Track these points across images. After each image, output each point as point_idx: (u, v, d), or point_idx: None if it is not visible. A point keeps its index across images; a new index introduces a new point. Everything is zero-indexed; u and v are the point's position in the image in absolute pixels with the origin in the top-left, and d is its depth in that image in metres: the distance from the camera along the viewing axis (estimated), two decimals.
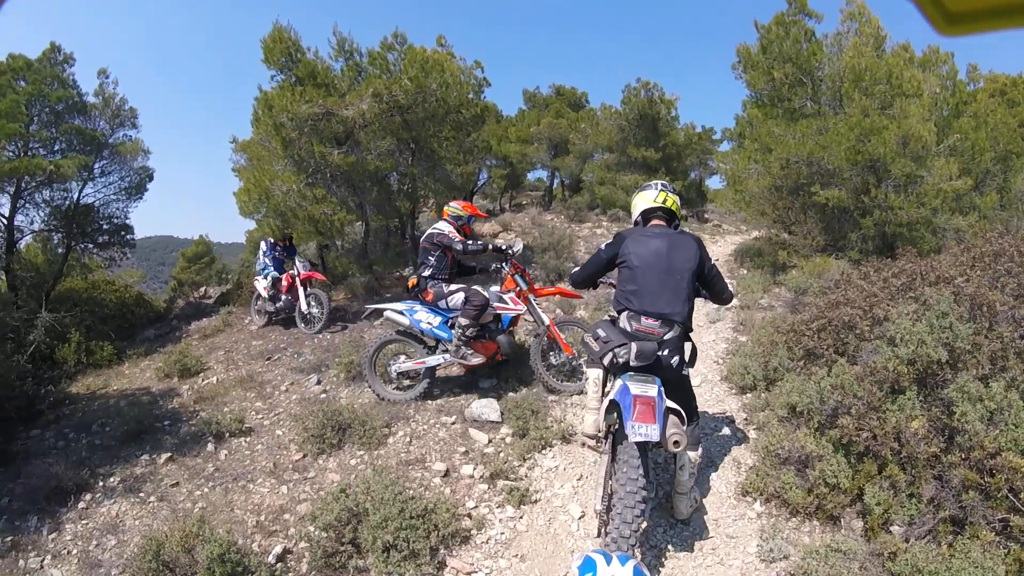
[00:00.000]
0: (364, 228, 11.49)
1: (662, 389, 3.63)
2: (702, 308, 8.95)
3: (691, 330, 4.06)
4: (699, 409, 5.69)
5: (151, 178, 13.37)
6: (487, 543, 4.37)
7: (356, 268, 11.63)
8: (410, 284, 6.93)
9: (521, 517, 4.64)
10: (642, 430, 3.38)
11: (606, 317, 4.21)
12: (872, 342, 4.88)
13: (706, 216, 19.20)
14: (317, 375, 7.61)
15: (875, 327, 5.08)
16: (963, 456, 3.66)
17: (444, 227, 6.81)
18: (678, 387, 3.93)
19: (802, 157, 9.40)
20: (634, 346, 3.66)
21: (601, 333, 3.87)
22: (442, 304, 6.67)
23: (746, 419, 5.73)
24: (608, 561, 1.59)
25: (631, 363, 3.66)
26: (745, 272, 10.84)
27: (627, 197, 14.64)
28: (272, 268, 10.18)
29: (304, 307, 9.64)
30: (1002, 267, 5.36)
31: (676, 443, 3.49)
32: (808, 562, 3.58)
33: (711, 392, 6.48)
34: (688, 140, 19.27)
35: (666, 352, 3.74)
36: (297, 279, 9.77)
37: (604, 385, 4.15)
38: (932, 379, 4.39)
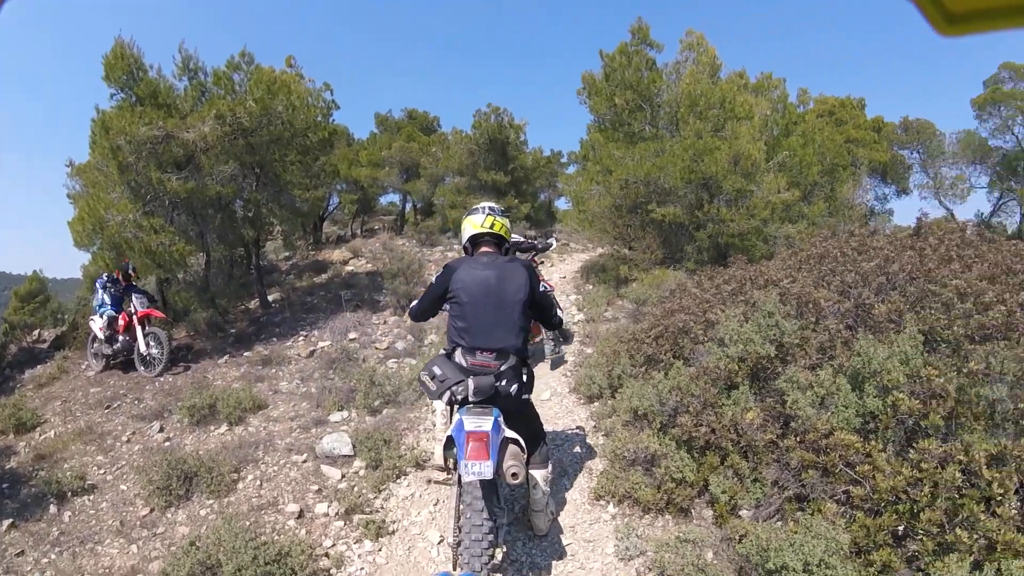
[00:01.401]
0: (206, 259, 10.89)
1: (500, 420, 3.56)
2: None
3: (527, 357, 3.99)
4: (552, 421, 5.85)
5: None
6: None
7: (198, 303, 10.98)
8: None
9: (380, 550, 4.53)
10: (475, 468, 3.32)
11: (441, 352, 4.04)
12: (705, 344, 5.19)
13: (555, 236, 19.75)
14: (160, 422, 7.13)
15: (708, 330, 5.41)
16: (799, 439, 3.94)
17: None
18: (520, 414, 3.87)
19: (640, 177, 9.90)
20: (471, 382, 3.60)
21: (437, 371, 3.77)
22: None
23: (595, 426, 5.90)
24: None
25: (470, 398, 3.60)
26: (591, 287, 11.22)
27: None
28: (109, 306, 9.35)
29: (143, 348, 8.91)
30: (826, 267, 5.86)
31: (514, 475, 3.42)
32: (661, 555, 3.72)
33: (561, 404, 6.64)
34: (536, 164, 19.78)
35: (503, 383, 3.68)
36: (134, 318, 9.03)
37: (452, 415, 4.08)
38: (764, 373, 4.72)
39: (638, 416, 5.03)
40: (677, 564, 3.57)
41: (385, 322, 10.10)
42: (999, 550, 2.85)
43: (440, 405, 4.16)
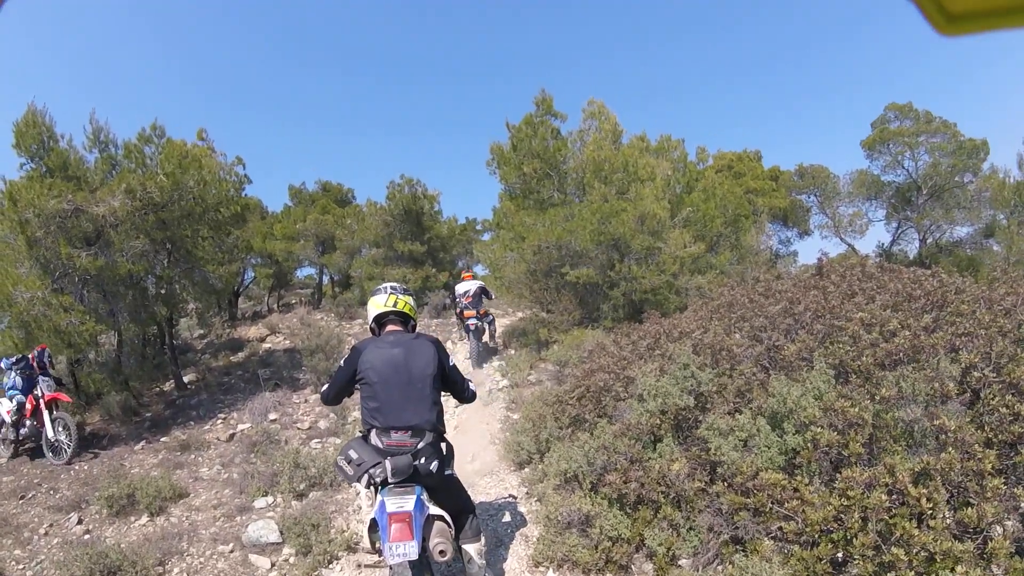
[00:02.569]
0: (117, 339, 10.48)
1: (423, 498, 3.57)
2: (479, 398, 9.25)
3: (444, 432, 4.01)
4: (483, 491, 5.84)
5: None
6: None
7: (111, 385, 10.45)
8: None
9: None
10: (399, 550, 3.32)
11: (357, 434, 4.03)
12: (626, 401, 5.36)
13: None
14: (77, 513, 6.70)
15: (628, 387, 5.61)
16: (727, 484, 4.10)
17: None
18: (444, 490, 3.86)
19: (552, 242, 10.26)
20: (388, 463, 3.57)
21: (353, 455, 3.71)
22: None
23: (527, 492, 5.92)
24: None
25: (389, 479, 3.57)
26: (513, 352, 11.38)
27: None
28: (19, 390, 8.75)
29: (51, 434, 8.41)
30: (736, 314, 6.20)
31: (441, 552, 3.44)
32: None
33: (491, 473, 6.63)
34: (452, 232, 20.09)
35: (422, 460, 3.63)
36: (41, 402, 8.52)
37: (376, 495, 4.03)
38: (685, 423, 4.92)
39: (568, 478, 5.08)
40: None
41: (306, 400, 9.93)
42: (939, 560, 3.00)
43: (362, 488, 3.97)
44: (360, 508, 4.50)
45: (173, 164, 9.51)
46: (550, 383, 8.48)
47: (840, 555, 3.46)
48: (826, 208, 23.57)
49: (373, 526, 3.52)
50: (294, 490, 6.57)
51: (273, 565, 5.36)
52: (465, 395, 4.29)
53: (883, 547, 3.21)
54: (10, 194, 8.50)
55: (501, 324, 15.14)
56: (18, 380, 8.85)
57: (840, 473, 3.58)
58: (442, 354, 3.96)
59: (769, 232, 22.07)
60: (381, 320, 4.11)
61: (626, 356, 6.30)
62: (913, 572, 3.07)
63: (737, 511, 3.90)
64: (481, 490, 6.14)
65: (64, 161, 9.30)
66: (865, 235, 22.84)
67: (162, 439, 8.88)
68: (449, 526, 3.62)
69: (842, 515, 3.42)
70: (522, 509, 5.65)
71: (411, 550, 3.29)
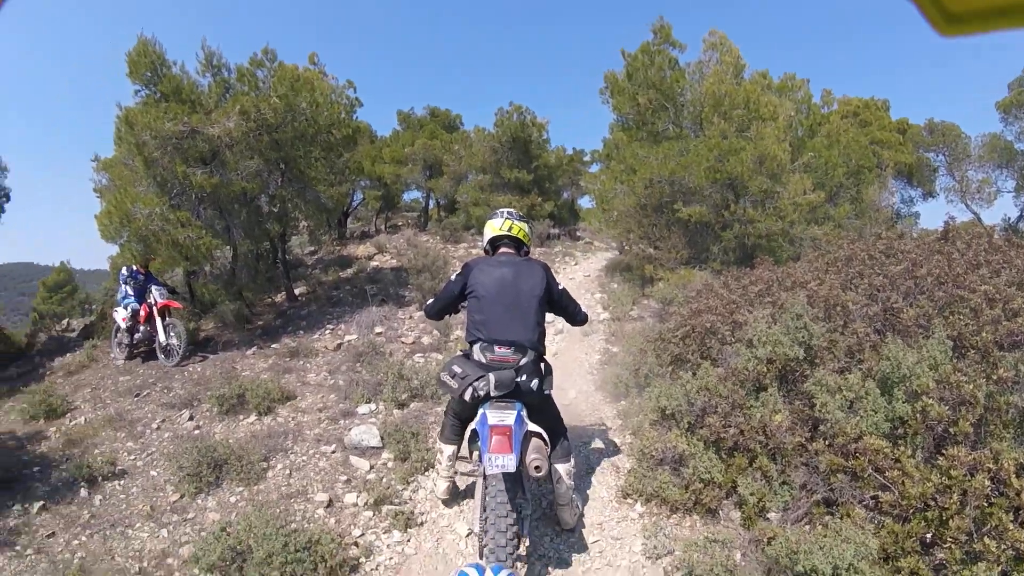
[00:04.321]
0: (232, 253, 11.00)
1: (523, 414, 3.66)
2: (579, 328, 9.24)
3: (544, 353, 4.11)
4: (578, 419, 5.87)
5: (8, 198, 12.40)
6: (376, 570, 4.30)
7: (225, 295, 11.13)
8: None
9: (408, 540, 4.58)
10: (499, 461, 3.41)
11: (458, 352, 4.24)
12: (733, 345, 5.18)
13: (578, 234, 19.69)
14: (189, 410, 7.19)
15: (735, 331, 5.41)
16: (828, 443, 3.93)
17: None
18: (542, 409, 3.99)
19: (664, 176, 9.89)
20: (492, 377, 3.67)
21: (457, 369, 3.87)
22: None
23: (621, 425, 5.91)
24: (481, 572, 1.55)
25: (492, 393, 3.67)
26: (616, 286, 11.20)
27: None
28: (133, 298, 9.59)
29: (162, 338, 9.11)
30: (854, 270, 5.84)
31: (537, 468, 3.52)
32: (690, 554, 3.72)
33: (587, 402, 6.64)
34: (559, 162, 19.70)
35: (524, 378, 3.75)
36: (154, 309, 9.24)
37: (455, 459, 4.52)
38: (792, 375, 4.72)
39: (666, 416, 5.02)
40: (706, 564, 3.58)
41: (411, 317, 10.15)
42: None
43: (448, 449, 4.45)
44: (439, 463, 4.68)
45: (285, 87, 9.69)
46: (652, 320, 8.35)
47: (930, 535, 3.28)
48: (954, 170, 21.53)
49: (473, 437, 3.80)
50: (396, 399, 6.78)
51: (372, 467, 5.59)
52: (577, 317, 4.47)
53: (974, 535, 3.03)
54: (126, 118, 8.88)
55: (603, 258, 14.92)
56: (129, 290, 9.62)
57: (944, 451, 3.37)
58: (550, 278, 4.12)
59: (892, 189, 20.41)
60: (495, 243, 4.31)
61: (735, 300, 6.06)
62: (999, 568, 2.89)
63: (834, 472, 3.75)
64: (575, 416, 6.16)
65: (177, 86, 9.62)
66: (993, 205, 20.65)
67: (272, 346, 9.32)
68: (546, 444, 3.74)
69: (939, 494, 3.23)
70: (615, 440, 5.68)
71: (509, 462, 3.40)
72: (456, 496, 4.97)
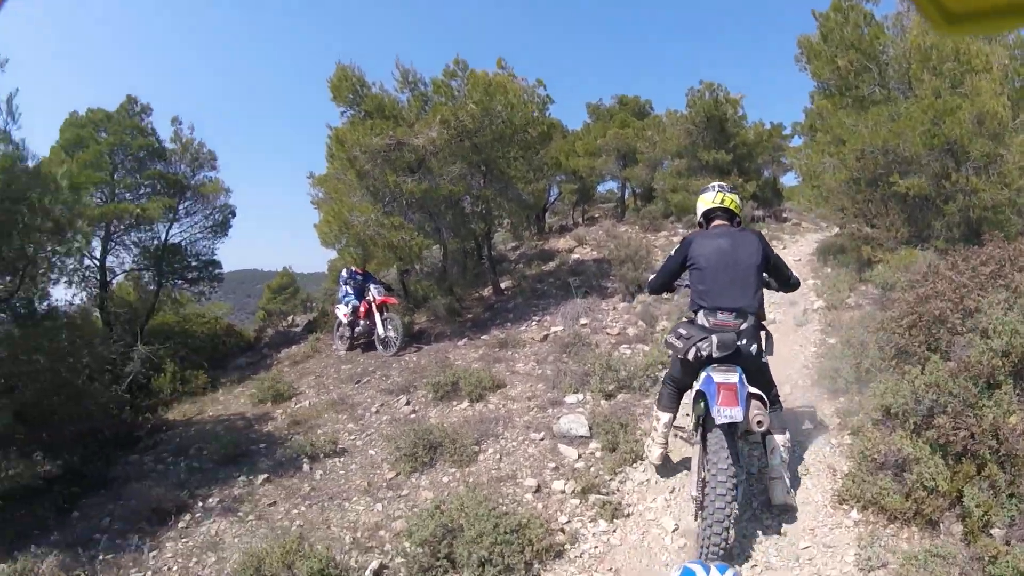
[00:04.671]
0: (442, 251, 11.76)
1: (743, 376, 3.91)
2: (788, 312, 8.86)
3: (764, 319, 4.37)
4: (793, 416, 5.63)
5: (233, 214, 13.97)
6: (580, 557, 4.42)
7: (436, 291, 11.93)
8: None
9: (614, 531, 4.65)
10: (727, 412, 3.69)
11: (683, 319, 4.55)
12: (964, 335, 4.70)
13: (784, 215, 18.62)
14: (406, 396, 7.77)
15: (967, 319, 4.88)
16: None
17: None
18: (758, 374, 4.19)
19: (877, 146, 9.04)
20: (714, 338, 3.96)
21: (683, 332, 4.19)
22: None
23: (840, 424, 5.54)
24: (707, 571, 1.55)
25: (713, 354, 3.95)
26: (830, 271, 10.53)
27: None
28: (352, 295, 10.61)
29: (381, 331, 9.97)
30: None
31: (759, 423, 3.82)
32: (907, 568, 3.49)
33: (802, 398, 6.29)
34: (758, 138, 18.79)
35: (744, 342, 4.02)
36: (373, 305, 10.14)
37: (671, 427, 4.85)
38: None
39: (890, 415, 4.65)
40: None
41: (615, 308, 10.20)
42: None
43: (664, 417, 4.75)
44: (655, 429, 4.93)
45: (480, 92, 10.15)
46: (872, 308, 7.77)
47: None
48: None
49: (698, 397, 4.02)
50: (603, 390, 6.83)
51: (580, 456, 5.70)
52: (790, 282, 4.68)
53: None
54: (337, 137, 9.92)
55: (813, 240, 14.09)
56: (350, 289, 10.69)
57: None
58: (766, 246, 4.36)
59: None
60: (709, 215, 4.59)
61: (965, 283, 5.47)
62: None
63: None
64: (789, 415, 5.85)
65: (379, 104, 10.52)
66: None
67: (482, 337, 9.78)
68: (765, 405, 3.98)
69: None
70: (833, 440, 5.36)
71: (737, 414, 3.71)
72: (668, 465, 5.17)
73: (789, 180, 21.13)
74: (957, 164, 8.70)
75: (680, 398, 4.68)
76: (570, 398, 6.91)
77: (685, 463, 5.15)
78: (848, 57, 10.06)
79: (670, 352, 4.45)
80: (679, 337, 4.18)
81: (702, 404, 3.93)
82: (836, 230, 12.24)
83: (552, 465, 5.60)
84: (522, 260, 15.60)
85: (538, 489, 5.25)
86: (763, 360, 4.27)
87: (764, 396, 4.02)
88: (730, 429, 3.82)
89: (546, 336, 9.25)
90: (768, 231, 15.31)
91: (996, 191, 8.18)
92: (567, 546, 4.48)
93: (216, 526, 5.38)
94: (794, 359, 7.22)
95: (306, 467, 6.28)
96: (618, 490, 5.14)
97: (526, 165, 11.83)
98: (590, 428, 6.02)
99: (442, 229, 10.92)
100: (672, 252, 4.58)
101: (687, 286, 4.61)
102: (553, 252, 15.36)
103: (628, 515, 4.81)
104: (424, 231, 10.39)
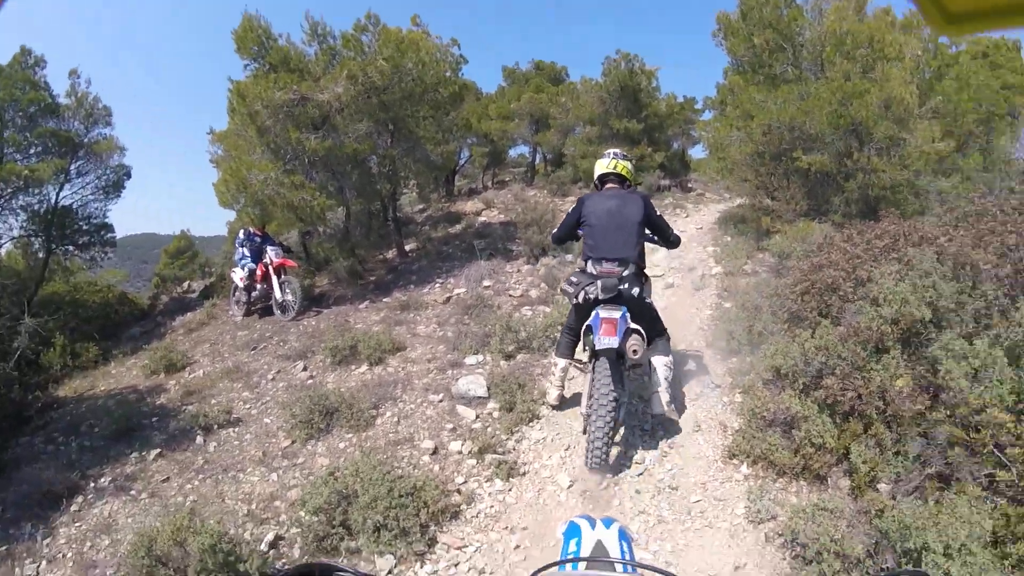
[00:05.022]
0: (345, 212, 11.38)
1: (627, 314, 4.52)
2: (687, 276, 9.13)
3: (644, 267, 5.04)
4: (687, 375, 5.96)
5: (128, 175, 13.16)
6: (477, 517, 4.44)
7: (338, 253, 11.57)
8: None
9: (510, 490, 4.69)
10: (606, 341, 4.34)
11: (577, 268, 5.27)
12: (855, 303, 4.90)
13: (690, 185, 18.98)
14: (303, 361, 7.57)
15: (858, 288, 5.10)
16: (948, 413, 3.67)
17: None
18: (642, 312, 4.77)
19: (784, 123, 9.31)
20: (599, 283, 4.62)
21: (574, 279, 4.84)
22: None
23: (732, 383, 5.73)
24: (592, 525, 1.58)
25: (599, 297, 4.60)
26: (729, 239, 10.80)
27: None
28: (249, 258, 10.17)
29: (279, 295, 9.64)
30: (985, 227, 5.36)
31: (635, 352, 4.43)
32: (795, 521, 3.60)
33: (696, 357, 6.50)
34: (670, 110, 18.99)
35: (626, 286, 4.63)
36: (270, 268, 9.77)
37: (566, 372, 5.47)
38: (916, 338, 4.43)
39: (780, 375, 4.84)
40: (811, 532, 3.44)
41: (519, 270, 10.17)
42: None
43: (561, 363, 5.34)
44: (552, 373, 5.59)
45: (391, 49, 9.77)
46: (767, 275, 8.03)
47: None
48: None
49: (587, 331, 4.55)
50: (503, 351, 6.85)
51: (478, 417, 5.73)
52: (670, 239, 5.28)
53: None
54: (238, 91, 9.29)
55: (716, 210, 14.45)
56: (246, 251, 10.20)
57: None
58: (649, 207, 4.96)
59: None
60: (603, 179, 5.21)
61: (859, 255, 5.68)
62: None
63: (952, 445, 3.51)
64: (683, 374, 6.10)
65: (285, 56, 9.98)
66: None
67: (384, 300, 9.59)
68: (643, 338, 4.57)
69: None
70: (724, 399, 5.55)
71: (614, 342, 4.33)
72: (564, 404, 5.66)
73: (697, 153, 21.50)
74: (860, 144, 9.03)
75: (575, 347, 5.18)
76: (470, 359, 6.90)
77: (580, 427, 5.24)
78: (765, 36, 10.27)
79: (565, 297, 5.11)
80: (571, 284, 4.82)
81: (590, 336, 4.49)
82: (738, 201, 12.60)
83: (450, 426, 5.60)
84: (429, 222, 15.39)
85: (435, 451, 5.24)
86: (646, 300, 4.87)
87: (643, 331, 4.58)
88: (613, 357, 4.44)
89: (449, 298, 9.17)
90: (673, 200, 15.66)
91: (896, 172, 8.57)
92: (463, 507, 4.50)
93: (109, 507, 5.20)
94: (690, 322, 7.43)
95: (199, 439, 6.08)
96: (514, 449, 5.19)
97: (436, 125, 11.56)
98: (488, 389, 6.04)
99: (346, 189, 10.56)
100: (570, 209, 5.21)
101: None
102: (460, 215, 15.23)
103: (524, 473, 4.87)
104: (327, 191, 10.02)
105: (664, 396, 4.88)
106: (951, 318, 4.28)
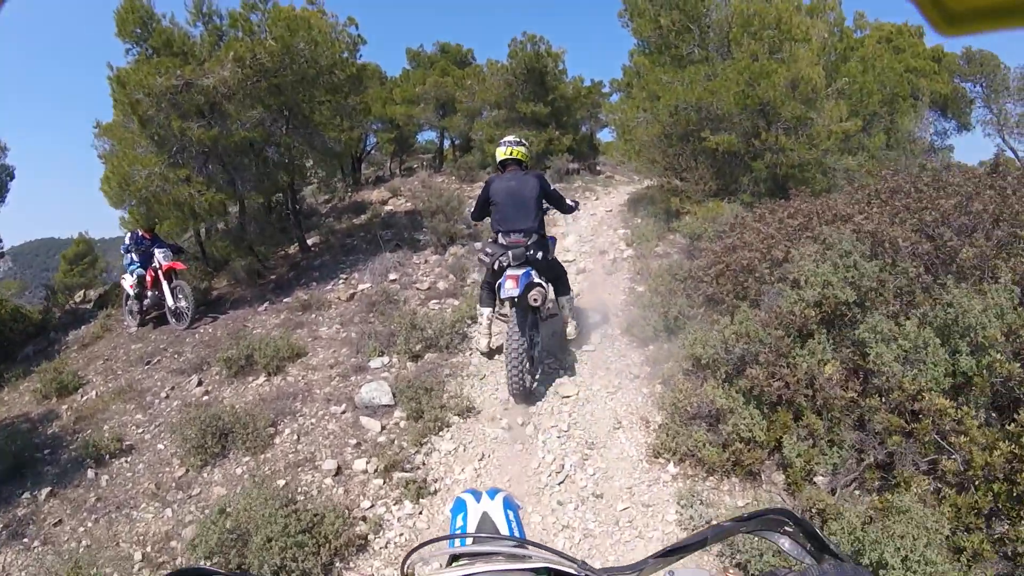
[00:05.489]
0: (239, 207, 10.63)
1: (531, 272, 5.30)
2: (599, 260, 8.99)
3: (545, 233, 5.79)
4: (603, 365, 6.02)
5: (11, 176, 12.14)
6: (386, 548, 4.08)
7: (236, 251, 10.83)
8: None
9: (421, 512, 4.35)
10: (510, 291, 5.10)
11: (488, 239, 5.97)
12: (774, 285, 4.74)
13: (599, 168, 18.97)
14: (198, 375, 7.00)
15: (775, 269, 4.94)
16: (882, 399, 3.53)
17: None
18: (549, 270, 5.72)
19: (691, 103, 9.19)
20: (510, 253, 5.38)
21: (488, 250, 5.59)
22: None
23: (650, 372, 5.54)
24: (477, 498, 1.64)
25: (511, 264, 5.35)
26: (639, 221, 10.67)
27: None
28: (138, 264, 9.31)
29: (171, 302, 8.86)
30: (900, 203, 5.31)
31: (535, 300, 5.19)
32: None
33: (612, 347, 6.26)
34: (577, 93, 18.77)
35: (532, 251, 5.43)
36: (159, 272, 8.93)
37: (492, 319, 6.11)
38: (840, 320, 4.28)
39: (700, 365, 4.64)
40: (748, 537, 3.21)
41: (426, 261, 9.75)
42: None
43: (486, 311, 6.02)
44: (479, 323, 6.21)
45: (280, 28, 9.09)
46: (679, 256, 7.91)
47: (988, 508, 2.93)
48: (991, 103, 19.98)
49: (499, 288, 5.30)
50: (410, 351, 6.52)
51: (383, 428, 5.40)
52: (565, 207, 6.09)
53: None
54: (118, 78, 8.43)
55: (625, 192, 14.39)
56: (134, 256, 9.37)
57: (1017, 414, 2.97)
58: (544, 183, 5.71)
59: (927, 120, 18.84)
60: (504, 164, 5.87)
61: (773, 235, 5.55)
62: None
63: (891, 434, 3.35)
64: (600, 364, 5.91)
65: (168, 39, 9.09)
66: None
67: (285, 300, 9.04)
68: (544, 289, 5.39)
69: (1010, 463, 2.86)
70: (644, 390, 5.35)
71: (516, 291, 5.09)
72: (493, 353, 6.27)
73: (606, 136, 21.55)
74: (768, 124, 9.02)
75: (494, 297, 5.82)
76: (375, 362, 6.49)
77: (494, 434, 5.09)
78: (671, 17, 10.13)
79: (482, 264, 5.83)
80: (487, 254, 5.58)
81: (501, 291, 5.25)
82: (647, 183, 12.53)
83: (354, 442, 5.23)
84: (333, 214, 14.74)
85: (338, 471, 4.87)
86: (550, 259, 5.75)
87: (544, 285, 5.43)
88: (523, 307, 5.21)
89: (353, 295, 8.70)
90: (583, 183, 15.54)
91: (805, 151, 8.58)
92: (370, 536, 4.13)
93: (2, 559, 4.67)
94: (602, 305, 7.24)
95: (91, 473, 5.52)
96: (424, 464, 4.86)
97: (334, 109, 10.90)
98: (394, 395, 5.73)
99: (239, 182, 9.77)
100: (480, 191, 5.90)
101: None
102: (366, 204, 14.61)
103: (435, 492, 4.54)
104: (216, 185, 9.27)
105: (571, 326, 6.13)
106: (875, 299, 4.14)
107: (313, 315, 8.21)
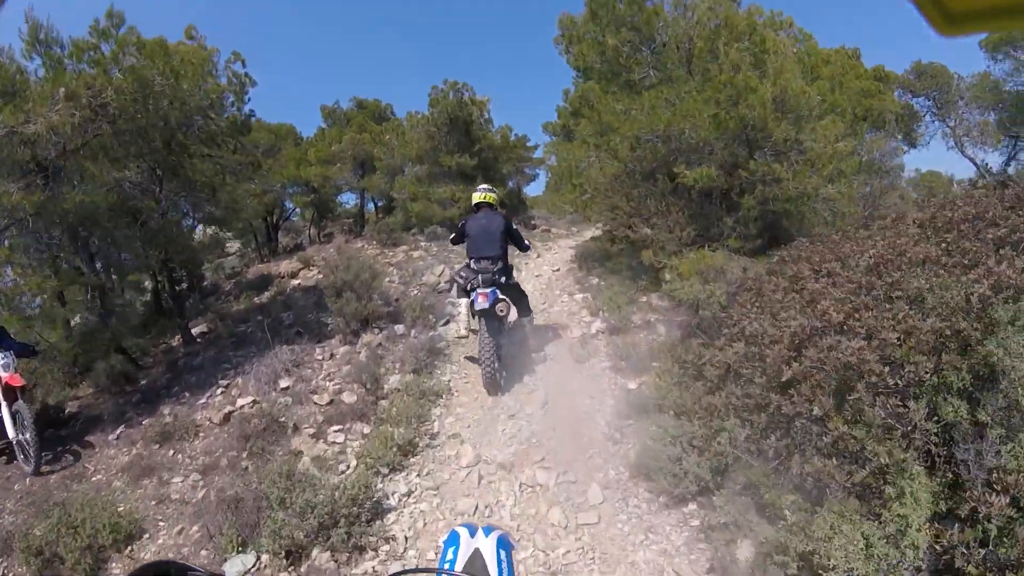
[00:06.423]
0: (88, 294, 7.99)
1: (497, 292, 6.30)
2: (563, 341, 7.30)
3: (507, 260, 6.81)
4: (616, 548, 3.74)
5: None
6: None
7: (87, 354, 8.23)
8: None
9: None
10: (481, 304, 6.12)
11: (463, 264, 6.84)
12: (918, 401, 2.76)
13: (533, 222, 17.60)
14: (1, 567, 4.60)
15: (891, 369, 2.96)
16: None
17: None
18: (512, 291, 6.80)
19: (658, 132, 7.47)
20: (480, 277, 6.43)
21: (463, 273, 6.62)
22: None
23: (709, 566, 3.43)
24: (472, 533, 1.52)
25: (481, 285, 6.34)
26: (598, 281, 8.86)
27: (444, 211, 14.50)
28: None
29: (11, 433, 6.26)
30: (991, 235, 3.58)
31: (501, 310, 6.24)
32: None
33: (626, 510, 4.12)
34: (506, 142, 17.59)
35: (497, 276, 6.49)
36: None
37: (471, 308, 6.49)
38: None
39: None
40: None
41: (331, 356, 7.64)
42: None
43: (464, 301, 6.62)
44: (459, 313, 6.81)
45: (131, 57, 7.01)
46: (666, 328, 6.27)
47: None
48: (946, 115, 19.31)
49: (471, 304, 6.33)
50: (283, 546, 4.10)
51: None
52: (523, 247, 7.12)
53: None
54: None
55: (566, 247, 12.70)
56: None
57: None
58: (507, 222, 6.86)
59: (868, 140, 17.93)
60: (478, 206, 6.95)
61: (850, 299, 3.51)
62: None
63: None
64: (616, 550, 3.69)
65: None
66: (996, 149, 18.59)
67: (145, 421, 6.82)
68: (508, 305, 6.44)
69: None
70: None
71: (485, 304, 6.10)
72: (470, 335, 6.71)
73: (533, 190, 20.55)
74: (750, 152, 7.30)
75: (467, 289, 6.47)
76: (234, 565, 4.13)
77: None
78: (621, 36, 8.46)
79: (456, 285, 6.75)
80: (461, 277, 6.57)
81: (473, 306, 6.27)
82: (590, 234, 10.86)
83: None
84: (236, 290, 12.40)
85: None
86: (512, 282, 6.82)
87: (508, 301, 6.42)
88: (491, 316, 6.17)
89: (229, 415, 6.52)
90: (525, 234, 13.86)
91: (804, 178, 6.83)
92: None
93: None
94: (587, 430, 5.23)
95: None
96: None
97: (214, 165, 8.76)
98: None
99: (85, 262, 7.58)
100: (459, 224, 6.98)
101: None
102: (272, 278, 12.35)
103: None
104: (53, 266, 7.01)
105: (531, 320, 7.41)
106: None
107: (171, 452, 6.08)
